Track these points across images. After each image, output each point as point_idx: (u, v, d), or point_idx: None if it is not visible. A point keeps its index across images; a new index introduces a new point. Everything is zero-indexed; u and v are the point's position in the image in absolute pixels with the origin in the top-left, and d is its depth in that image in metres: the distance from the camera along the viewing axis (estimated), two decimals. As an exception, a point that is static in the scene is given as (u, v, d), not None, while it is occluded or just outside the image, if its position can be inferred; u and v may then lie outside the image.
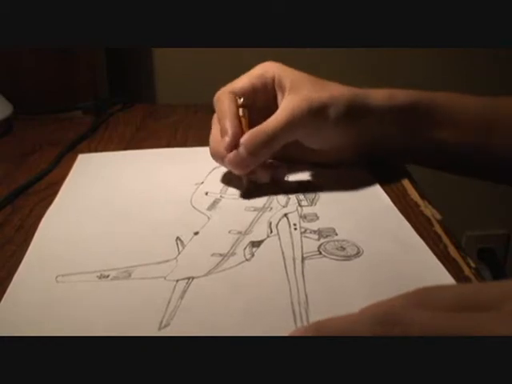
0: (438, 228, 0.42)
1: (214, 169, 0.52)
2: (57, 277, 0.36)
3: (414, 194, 0.48)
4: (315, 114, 0.48)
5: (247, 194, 0.48)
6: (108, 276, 0.36)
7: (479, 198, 1.15)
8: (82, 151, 0.61)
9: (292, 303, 0.33)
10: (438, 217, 0.44)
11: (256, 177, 0.49)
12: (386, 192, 0.49)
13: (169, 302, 0.33)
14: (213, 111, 0.51)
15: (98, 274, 0.37)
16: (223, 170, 0.52)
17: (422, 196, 0.48)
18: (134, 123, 0.73)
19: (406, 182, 0.51)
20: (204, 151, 0.51)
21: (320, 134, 0.50)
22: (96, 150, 0.62)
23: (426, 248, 0.39)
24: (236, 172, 0.48)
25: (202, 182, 0.51)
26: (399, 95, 0.51)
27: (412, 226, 0.42)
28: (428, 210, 0.45)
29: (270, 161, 0.52)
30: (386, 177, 0.52)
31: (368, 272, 0.36)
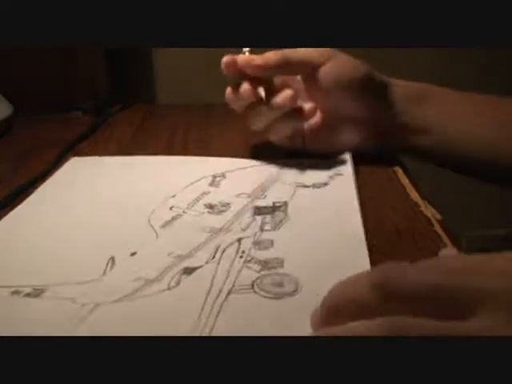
0: (438, 228, 0.42)
1: (196, 180, 0.50)
2: None
3: (413, 194, 0.48)
4: (359, 75, 0.51)
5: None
6: (21, 292, 0.35)
7: (479, 198, 1.15)
8: (82, 151, 0.61)
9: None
10: (438, 217, 0.44)
11: (276, 130, 0.51)
12: (386, 193, 0.49)
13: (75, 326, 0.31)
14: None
15: (14, 289, 0.35)
16: (206, 182, 0.50)
17: (422, 196, 0.48)
18: (133, 123, 0.73)
19: (406, 183, 0.51)
20: (197, 161, 0.50)
21: (352, 97, 0.51)
22: (96, 150, 0.62)
23: None
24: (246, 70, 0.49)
25: (174, 196, 0.48)
26: (413, 85, 0.56)
27: (412, 226, 0.42)
28: (428, 210, 0.45)
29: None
30: (386, 177, 0.52)
31: (288, 316, 0.32)
